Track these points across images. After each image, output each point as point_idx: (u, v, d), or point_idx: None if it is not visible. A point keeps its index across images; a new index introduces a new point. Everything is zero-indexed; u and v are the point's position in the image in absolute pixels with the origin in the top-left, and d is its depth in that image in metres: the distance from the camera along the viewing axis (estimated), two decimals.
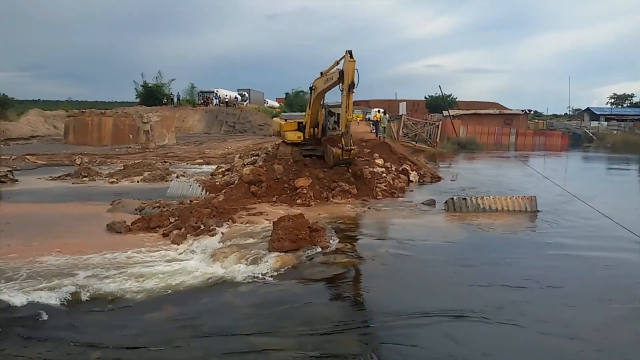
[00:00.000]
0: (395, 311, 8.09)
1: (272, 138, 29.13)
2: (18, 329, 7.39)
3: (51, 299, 8.31)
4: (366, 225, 13.94)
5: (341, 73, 16.66)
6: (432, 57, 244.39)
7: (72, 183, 21.54)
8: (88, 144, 37.97)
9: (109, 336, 7.29)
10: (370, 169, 20.36)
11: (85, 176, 22.62)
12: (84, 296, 8.58)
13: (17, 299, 8.15)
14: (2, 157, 25.59)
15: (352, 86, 16.38)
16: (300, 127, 19.68)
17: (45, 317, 7.75)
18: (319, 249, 11.01)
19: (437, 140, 40.16)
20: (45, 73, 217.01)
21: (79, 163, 27.26)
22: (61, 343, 7.09)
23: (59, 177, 22.76)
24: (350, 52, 16.34)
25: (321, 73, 18.09)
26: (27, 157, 29.88)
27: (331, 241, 11.66)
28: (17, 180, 21.73)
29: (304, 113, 20.72)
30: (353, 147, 17.92)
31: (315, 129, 19.59)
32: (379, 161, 22.66)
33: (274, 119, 21.23)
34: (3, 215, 15.39)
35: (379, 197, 17.70)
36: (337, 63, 17.15)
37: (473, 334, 7.46)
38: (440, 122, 42.97)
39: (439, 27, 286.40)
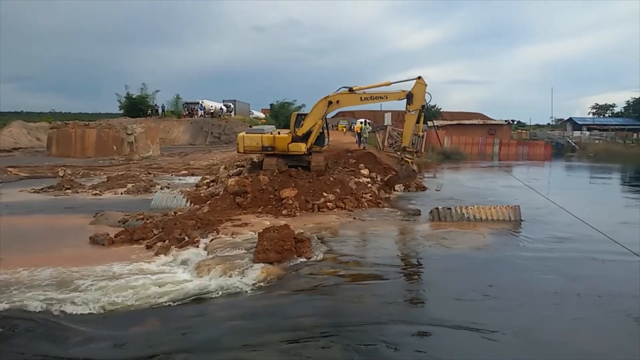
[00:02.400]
0: (379, 320, 8.09)
1: None
2: (7, 340, 7.26)
3: (33, 311, 8.17)
4: (351, 236, 13.92)
5: (410, 94, 18.49)
6: (417, 69, 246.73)
7: (55, 195, 21.26)
8: (71, 155, 37.57)
9: (91, 349, 7.18)
10: (356, 179, 20.39)
11: (68, 188, 22.36)
12: (67, 309, 8.45)
13: (6, 310, 8.00)
14: None
15: (423, 107, 18.77)
16: (297, 138, 19.76)
17: (25, 329, 7.61)
18: (305, 260, 10.98)
19: (422, 150, 40.38)
20: (28, 85, 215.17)
21: (62, 175, 26.93)
22: (43, 356, 6.97)
23: (42, 189, 22.45)
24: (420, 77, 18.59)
25: (350, 89, 18.76)
26: (9, 169, 29.47)
27: (316, 252, 11.63)
28: None
29: (263, 126, 22.13)
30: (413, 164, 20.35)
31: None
32: (365, 171, 22.70)
33: (243, 134, 20.87)
34: None
35: (364, 207, 17.72)
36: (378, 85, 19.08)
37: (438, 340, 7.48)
38: (425, 133, 43.21)
39: (423, 39, 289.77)
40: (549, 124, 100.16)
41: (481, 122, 67.32)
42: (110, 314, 8.46)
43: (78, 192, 21.89)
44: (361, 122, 33.82)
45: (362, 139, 30.56)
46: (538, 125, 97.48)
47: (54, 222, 15.60)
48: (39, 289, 9.30)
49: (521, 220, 16.08)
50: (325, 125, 20.82)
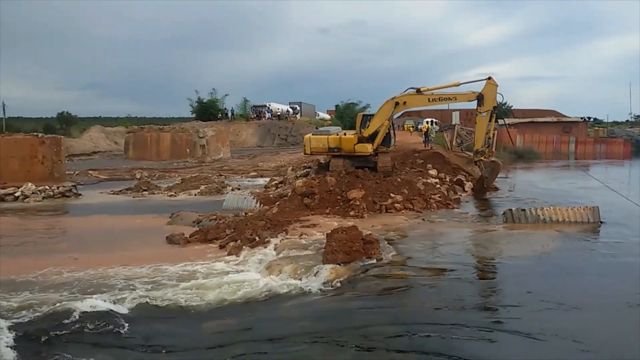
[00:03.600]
0: (448, 324, 7.96)
1: None
2: (87, 335, 7.73)
3: (117, 307, 8.64)
4: (420, 237, 13.75)
5: (480, 96, 18.26)
6: (486, 66, 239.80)
7: (133, 197, 22.35)
8: (147, 158, 39.31)
9: (169, 344, 7.51)
10: (424, 180, 20.13)
11: (145, 190, 23.43)
12: (147, 305, 8.87)
13: (86, 307, 8.51)
14: (66, 172, 26.83)
15: (495, 109, 18.48)
16: (362, 139, 19.83)
17: (111, 324, 8.06)
18: (373, 261, 10.96)
19: (493, 150, 39.25)
20: (105, 91, 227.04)
21: (138, 177, 28.29)
22: (127, 349, 7.37)
23: (120, 191, 23.67)
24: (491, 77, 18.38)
25: (418, 90, 18.71)
26: (90, 172, 31.24)
27: (385, 253, 11.58)
28: (80, 195, 22.77)
29: (329, 128, 22.12)
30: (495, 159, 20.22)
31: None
32: (433, 172, 22.38)
33: (309, 136, 21.17)
34: (68, 229, 16.17)
35: (433, 209, 17.47)
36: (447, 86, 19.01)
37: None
38: (496, 131, 41.97)
39: (492, 34, 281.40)
40: (627, 120, 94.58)
41: (555, 119, 64.61)
42: (186, 311, 8.80)
43: (154, 194, 22.89)
44: (428, 122, 33.38)
45: (429, 138, 30.17)
46: (616, 122, 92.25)
47: (132, 223, 16.41)
48: (124, 287, 9.81)
49: (600, 222, 15.30)
50: (391, 125, 20.73)
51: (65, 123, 63.95)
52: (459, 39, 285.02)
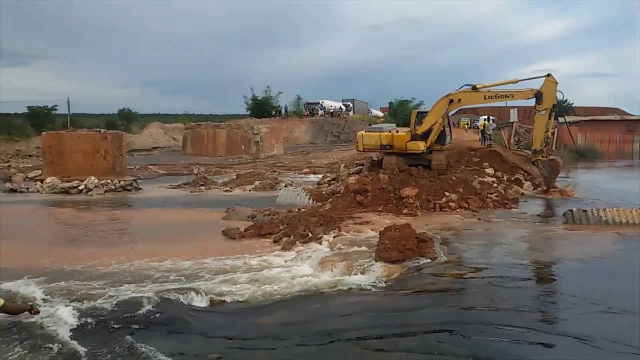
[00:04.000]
0: (503, 326, 7.77)
1: None
2: (148, 324, 8.01)
3: (175, 298, 8.91)
4: (476, 237, 13.45)
5: (539, 93, 17.73)
6: (545, 62, 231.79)
7: (190, 191, 22.96)
8: (204, 154, 40.26)
9: (226, 335, 7.69)
10: (480, 179, 19.70)
11: (202, 185, 24.02)
12: (204, 298, 9.10)
13: (147, 297, 8.82)
14: (127, 167, 27.84)
15: (554, 107, 17.88)
16: (416, 137, 19.62)
17: (170, 314, 8.32)
18: (427, 260, 10.81)
19: (553, 148, 37.94)
20: (164, 88, 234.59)
21: (196, 173, 29.04)
22: (186, 339, 7.59)
23: (178, 185, 24.37)
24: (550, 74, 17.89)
25: (473, 87, 18.35)
26: (150, 167, 32.29)
27: (440, 252, 11.41)
28: (141, 189, 23.61)
29: (382, 125, 21.80)
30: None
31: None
32: (489, 170, 21.87)
33: (362, 133, 21.16)
34: (129, 222, 16.81)
35: (489, 208, 17.07)
36: (504, 82, 18.49)
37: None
38: (556, 129, 40.57)
39: (552, 29, 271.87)
40: None
41: (618, 117, 61.70)
42: (241, 304, 8.98)
43: (210, 189, 23.44)
44: (485, 119, 32.60)
45: (485, 136, 29.47)
46: None
47: (189, 216, 16.90)
48: (183, 280, 10.11)
49: None
50: (447, 123, 20.41)
51: (126, 119, 66.26)
52: (517, 34, 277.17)
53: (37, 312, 5.10)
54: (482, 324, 7.96)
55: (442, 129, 19.84)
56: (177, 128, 55.27)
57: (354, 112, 66.57)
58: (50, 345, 7.28)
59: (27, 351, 7.12)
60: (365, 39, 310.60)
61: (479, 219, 15.55)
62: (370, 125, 32.02)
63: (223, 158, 38.44)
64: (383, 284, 9.74)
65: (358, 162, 25.21)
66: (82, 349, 7.27)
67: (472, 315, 8.39)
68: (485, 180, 19.99)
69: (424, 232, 12.12)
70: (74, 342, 7.43)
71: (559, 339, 7.43)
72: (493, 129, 32.18)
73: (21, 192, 22.75)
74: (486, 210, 16.86)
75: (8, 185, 23.66)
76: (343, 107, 65.35)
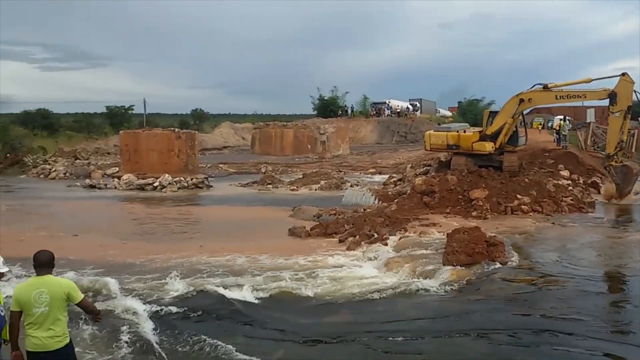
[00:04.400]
0: (574, 335, 7.41)
1: None
2: (218, 318, 8.26)
3: (242, 294, 9.12)
4: (549, 242, 12.90)
5: (613, 94, 16.74)
6: (624, 60, 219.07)
7: (258, 190, 23.43)
8: (271, 153, 40.95)
9: (291, 332, 7.78)
10: (554, 181, 18.87)
11: (270, 184, 24.45)
12: (269, 294, 9.26)
13: (215, 292, 9.09)
14: (199, 165, 28.76)
15: (629, 109, 16.78)
16: (485, 137, 19.07)
17: (238, 309, 8.53)
18: (497, 265, 10.48)
19: (633, 150, 35.77)
20: (234, 89, 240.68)
21: (264, 171, 29.60)
22: (254, 334, 7.76)
23: (247, 184, 24.92)
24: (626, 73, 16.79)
25: (544, 86, 17.67)
26: (220, 165, 33.23)
27: (510, 257, 11.02)
28: (211, 187, 24.36)
29: (452, 124, 21.12)
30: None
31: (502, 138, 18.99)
32: (564, 173, 20.92)
33: (430, 132, 20.85)
34: (198, 218, 17.38)
35: (564, 212, 16.32)
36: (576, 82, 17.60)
37: None
38: (636, 130, 38.21)
39: (630, 26, 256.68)
40: None
41: None
42: (305, 302, 9.05)
43: (277, 187, 23.83)
44: (560, 119, 31.20)
45: (561, 137, 28.18)
46: None
47: (257, 214, 17.25)
48: (249, 276, 10.34)
49: None
50: (522, 123, 19.71)
51: (198, 119, 68.57)
52: (594, 32, 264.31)
53: (99, 320, 5.32)
54: (553, 332, 7.64)
55: (515, 129, 19.15)
56: (247, 128, 56.52)
57: (421, 112, 65.57)
58: (122, 335, 7.68)
59: (103, 339, 7.53)
60: (434, 37, 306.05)
61: (553, 223, 14.90)
62: (439, 124, 31.46)
63: (290, 157, 38.95)
64: (450, 288, 9.52)
65: (425, 162, 24.81)
66: (153, 338, 7.61)
67: (543, 323, 8.05)
68: (560, 182, 19.13)
69: (494, 236, 11.74)
70: (145, 332, 7.78)
71: (632, 350, 7.04)
72: (569, 130, 30.76)
73: (99, 188, 24.10)
74: (560, 214, 16.12)
75: (88, 181, 25.16)
76: (410, 106, 64.50)
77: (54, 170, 29.84)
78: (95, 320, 5.32)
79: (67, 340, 4.77)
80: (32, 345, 4.66)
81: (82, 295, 4.85)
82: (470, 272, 10.10)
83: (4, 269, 4.99)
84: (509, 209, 16.10)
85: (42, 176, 29.33)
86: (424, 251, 11.58)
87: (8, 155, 34.52)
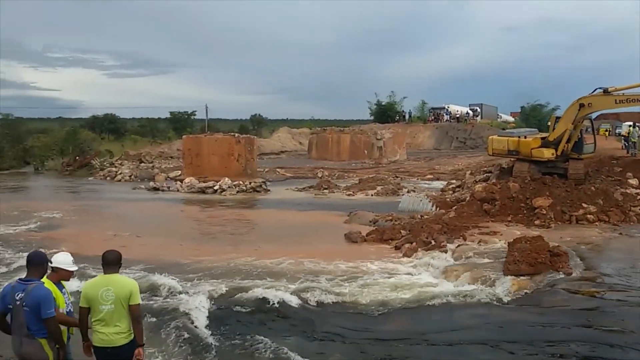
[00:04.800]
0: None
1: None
2: (274, 321, 8.40)
3: (298, 297, 9.23)
4: (616, 253, 12.31)
5: None
6: None
7: (314, 194, 23.60)
8: (328, 158, 41.14)
9: (346, 337, 7.80)
10: (622, 190, 18.01)
11: (326, 188, 24.59)
12: (325, 298, 9.32)
13: (271, 295, 9.24)
14: (258, 169, 29.29)
15: None
16: (547, 143, 18.46)
17: (292, 312, 8.64)
18: (561, 276, 10.11)
19: None
20: (292, 95, 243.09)
21: (320, 176, 29.80)
22: (307, 337, 7.84)
23: (304, 188, 25.17)
24: None
25: (605, 90, 17.05)
26: (278, 169, 33.69)
27: (575, 268, 10.61)
28: (269, 190, 24.75)
29: (518, 130, 20.38)
30: None
31: (566, 145, 18.28)
32: (633, 181, 19.89)
33: (492, 137, 20.44)
34: (255, 221, 17.70)
35: (632, 222, 15.54)
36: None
37: None
38: None
39: None
40: None
41: None
42: (361, 308, 9.05)
43: (334, 192, 23.91)
44: (630, 126, 29.75)
45: (630, 144, 26.85)
46: None
47: (313, 218, 17.39)
48: (304, 280, 10.43)
49: None
50: (591, 129, 18.95)
51: (257, 124, 69.92)
52: None
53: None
54: (618, 346, 7.31)
55: (580, 136, 18.42)
56: (304, 133, 57.07)
57: (481, 117, 64.10)
58: (183, 332, 7.94)
59: (159, 336, 7.81)
60: (497, 41, 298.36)
61: (620, 234, 14.21)
62: (503, 129, 30.73)
63: (346, 162, 39.00)
64: (511, 298, 9.27)
65: (485, 169, 24.26)
66: (208, 337, 7.82)
67: (608, 337, 7.72)
68: (628, 191, 18.21)
69: (557, 245, 11.34)
70: (204, 331, 8.01)
71: None
72: (638, 137, 29.32)
73: (163, 190, 25.02)
74: (628, 224, 15.35)
75: (152, 184, 26.16)
76: (470, 111, 63.22)
77: (120, 173, 31.21)
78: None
79: (132, 337, 4.93)
80: (99, 341, 4.86)
81: (140, 302, 5.01)
82: (532, 283, 9.81)
83: (74, 268, 5.23)
84: (573, 218, 15.49)
85: (108, 178, 30.76)
86: (484, 260, 11.32)
87: (77, 158, 36.38)
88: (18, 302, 4.69)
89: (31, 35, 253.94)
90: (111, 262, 4.99)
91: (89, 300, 4.86)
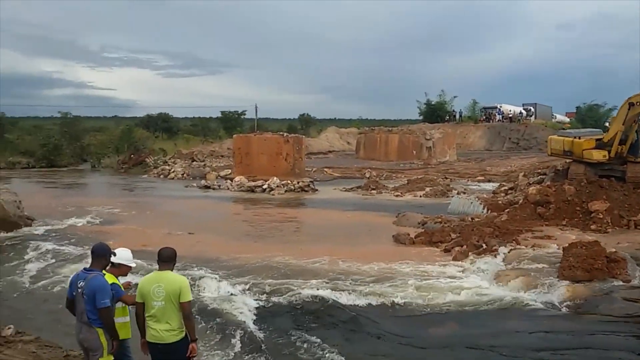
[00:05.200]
0: None
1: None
2: (326, 322, 8.46)
3: (345, 299, 9.25)
4: None
5: None
6: None
7: (362, 195, 23.54)
8: (376, 159, 40.91)
9: (396, 340, 7.77)
10: None
11: (373, 189, 24.48)
12: (372, 300, 9.30)
13: (325, 296, 9.30)
14: (305, 169, 29.45)
15: None
16: (601, 145, 17.76)
17: (340, 313, 8.67)
18: (619, 283, 9.73)
19: None
20: (339, 94, 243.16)
21: (368, 176, 29.69)
22: (354, 338, 7.86)
23: (351, 188, 25.13)
24: None
25: None
26: (325, 169, 33.77)
27: (634, 275, 10.18)
28: (317, 190, 24.85)
29: (569, 130, 19.48)
30: None
31: (621, 146, 17.50)
32: None
33: (552, 137, 19.87)
34: (302, 220, 17.83)
35: None
36: None
37: None
38: None
39: None
40: None
41: None
42: (412, 311, 8.99)
43: (381, 193, 23.77)
44: None
45: None
46: None
47: (361, 219, 17.36)
48: (345, 280, 10.45)
49: None
50: None
51: (305, 124, 70.31)
52: None
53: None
54: None
55: (637, 137, 17.59)
56: (352, 132, 56.96)
57: (535, 117, 62.25)
58: (231, 329, 8.10)
59: (212, 333, 7.99)
60: (551, 39, 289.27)
61: None
62: (563, 129, 29.81)
63: (394, 163, 38.70)
64: (565, 305, 9.01)
65: (539, 171, 23.56)
66: (258, 334, 7.95)
67: None
68: None
69: (615, 251, 10.92)
70: (254, 330, 8.15)
71: None
72: None
73: (213, 188, 25.60)
74: None
75: (203, 182, 26.81)
76: (523, 111, 61.49)
77: (173, 171, 32.10)
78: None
79: (183, 335, 5.02)
80: (150, 337, 4.99)
81: (190, 298, 5.09)
82: (588, 290, 9.48)
83: (133, 264, 5.44)
84: (632, 223, 14.84)
85: (161, 176, 31.68)
86: (537, 265, 11.00)
87: (132, 156, 37.62)
88: (79, 290, 4.94)
89: (89, 36, 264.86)
90: (166, 259, 5.10)
91: (143, 295, 4.99)
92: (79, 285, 4.95)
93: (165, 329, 4.93)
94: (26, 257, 12.49)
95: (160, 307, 4.93)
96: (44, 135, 41.30)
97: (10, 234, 14.48)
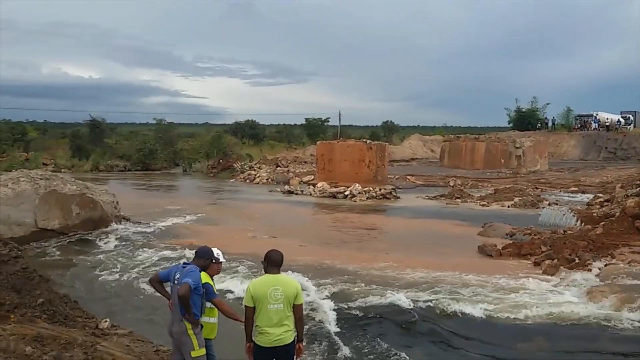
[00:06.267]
0: None
1: None
2: (401, 330, 8.40)
3: (430, 310, 9.12)
4: None
5: None
6: None
7: (446, 203, 23.08)
8: (461, 167, 39.92)
9: (482, 353, 7.58)
10: None
11: (458, 198, 23.93)
12: (458, 311, 9.09)
13: (403, 305, 9.22)
14: (388, 176, 29.27)
15: None
16: None
17: (425, 324, 8.56)
18: None
19: None
20: (424, 102, 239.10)
21: (452, 185, 29.06)
22: (437, 352, 7.73)
23: (434, 197, 24.72)
24: None
25: None
26: (408, 177, 33.40)
27: None
28: (399, 197, 24.67)
29: None
30: None
31: None
32: None
33: None
34: (384, 228, 17.73)
35: None
36: None
37: None
38: None
39: None
40: None
41: None
42: (498, 325, 8.71)
43: (466, 202, 23.19)
44: None
45: None
46: None
47: (444, 228, 17.02)
48: (428, 289, 10.29)
49: None
50: None
51: (388, 131, 69.83)
52: None
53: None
54: None
55: None
56: (436, 140, 55.99)
57: (634, 126, 58.24)
58: (316, 335, 8.19)
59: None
60: None
61: None
62: None
63: (480, 171, 37.56)
64: None
65: (638, 182, 22.02)
66: (341, 342, 7.99)
67: None
68: None
69: None
70: (338, 339, 8.21)
71: None
72: None
73: (296, 194, 26.13)
74: None
75: (286, 187, 27.45)
76: (622, 119, 57.71)
77: (258, 176, 33.10)
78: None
79: (295, 333, 5.09)
80: (267, 342, 4.96)
81: (303, 301, 5.17)
82: None
83: (223, 260, 5.68)
84: None
85: (247, 181, 32.77)
86: (636, 282, 10.30)
87: (221, 161, 39.23)
88: (175, 282, 5.16)
89: (183, 47, 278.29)
90: (276, 262, 5.12)
91: (257, 299, 4.96)
92: (176, 277, 5.17)
93: (284, 331, 4.97)
94: (118, 255, 13.18)
95: (278, 310, 4.95)
96: (140, 140, 44.27)
97: (107, 230, 15.49)
